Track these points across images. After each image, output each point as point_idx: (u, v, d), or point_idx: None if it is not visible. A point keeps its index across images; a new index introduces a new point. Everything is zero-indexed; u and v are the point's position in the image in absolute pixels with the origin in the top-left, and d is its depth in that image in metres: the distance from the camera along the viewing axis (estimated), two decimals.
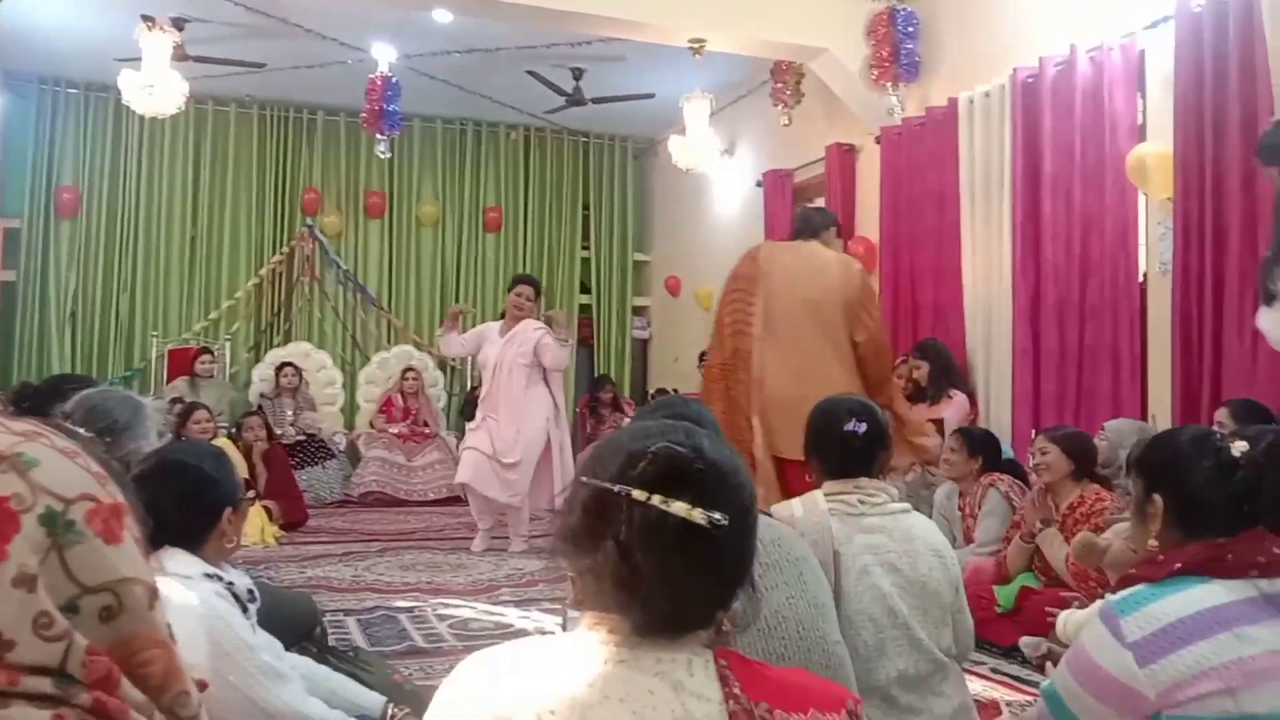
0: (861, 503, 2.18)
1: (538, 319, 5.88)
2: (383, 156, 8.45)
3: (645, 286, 10.82)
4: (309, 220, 9.52)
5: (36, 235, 8.86)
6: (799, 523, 2.12)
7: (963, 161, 5.75)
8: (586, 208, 10.52)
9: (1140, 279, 4.88)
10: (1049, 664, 3.02)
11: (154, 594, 0.73)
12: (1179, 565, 1.64)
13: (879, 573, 2.12)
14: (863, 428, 2.19)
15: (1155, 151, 4.60)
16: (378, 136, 8.01)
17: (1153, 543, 1.77)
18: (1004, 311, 5.40)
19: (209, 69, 7.65)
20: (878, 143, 6.54)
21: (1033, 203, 5.25)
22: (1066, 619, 3.05)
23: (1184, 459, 1.76)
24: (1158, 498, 1.75)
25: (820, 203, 7.38)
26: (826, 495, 2.19)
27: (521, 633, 3.93)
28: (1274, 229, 3.17)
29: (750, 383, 3.90)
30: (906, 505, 2.28)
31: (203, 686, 0.77)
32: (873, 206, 6.70)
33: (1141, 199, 4.85)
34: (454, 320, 6.12)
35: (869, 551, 2.13)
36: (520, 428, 5.66)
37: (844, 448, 2.21)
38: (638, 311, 10.74)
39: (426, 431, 8.44)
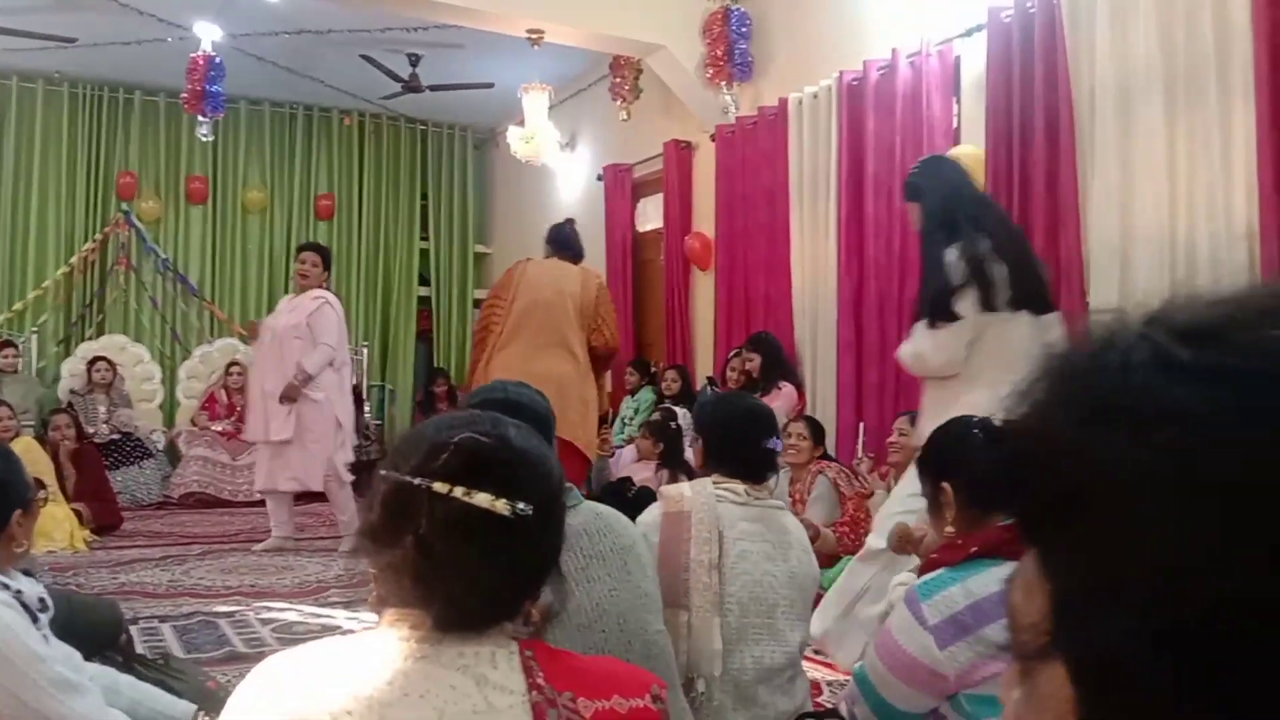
0: (748, 494, 2.28)
1: (327, 289, 5.65)
2: (205, 140, 8.07)
3: (487, 279, 10.65)
4: (124, 205, 8.98)
5: None
6: (687, 501, 2.22)
7: (792, 160, 5.92)
8: (425, 197, 10.29)
9: None
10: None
11: None
12: (975, 549, 1.72)
13: (755, 559, 2.22)
14: (779, 446, 2.34)
15: (969, 153, 4.83)
16: (200, 119, 7.65)
17: (949, 529, 1.86)
18: (829, 306, 5.60)
19: (13, 42, 7.13)
20: (713, 140, 6.66)
21: (857, 201, 5.45)
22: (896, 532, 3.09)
23: (955, 440, 1.88)
24: (945, 485, 1.85)
25: (658, 199, 7.48)
26: (715, 483, 2.29)
27: (350, 634, 3.82)
28: (923, 263, 3.27)
29: (489, 364, 4.54)
30: (781, 503, 2.41)
31: None
32: (709, 203, 6.81)
33: None
34: (254, 333, 5.88)
35: (748, 538, 2.23)
36: (293, 403, 5.39)
37: (758, 464, 2.33)
38: (479, 304, 10.58)
39: None
